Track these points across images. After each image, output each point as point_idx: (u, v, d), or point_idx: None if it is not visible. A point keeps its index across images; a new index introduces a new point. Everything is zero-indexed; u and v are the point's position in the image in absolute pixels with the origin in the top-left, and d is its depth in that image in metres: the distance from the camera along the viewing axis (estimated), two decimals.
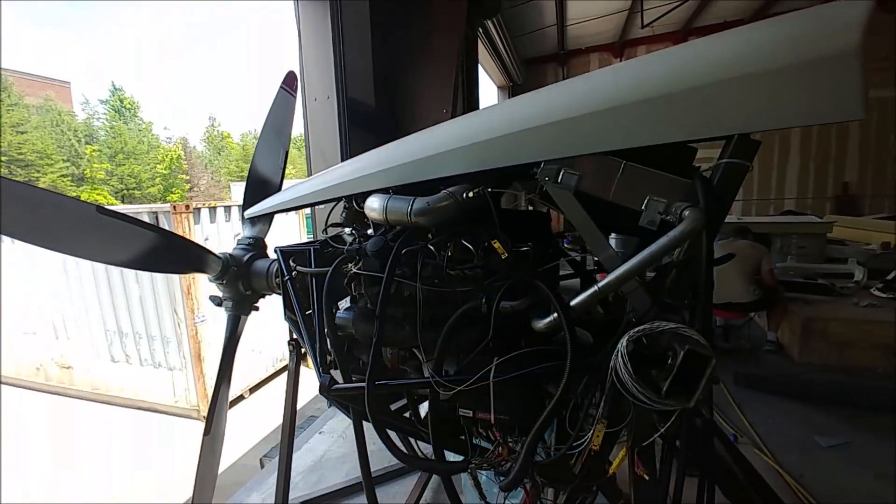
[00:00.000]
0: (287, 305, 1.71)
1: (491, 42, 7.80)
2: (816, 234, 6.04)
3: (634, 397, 0.95)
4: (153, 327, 5.90)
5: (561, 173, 1.16)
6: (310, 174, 3.57)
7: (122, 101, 31.95)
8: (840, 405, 3.38)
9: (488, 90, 10.27)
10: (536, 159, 1.17)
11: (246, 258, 1.90)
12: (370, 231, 1.54)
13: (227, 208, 6.13)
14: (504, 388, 1.10)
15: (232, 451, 4.79)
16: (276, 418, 6.03)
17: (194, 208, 5.60)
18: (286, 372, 1.87)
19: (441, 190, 1.35)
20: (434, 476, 2.78)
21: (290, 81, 2.27)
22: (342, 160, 3.43)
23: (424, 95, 3.81)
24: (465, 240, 1.22)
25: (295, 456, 3.10)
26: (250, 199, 2.06)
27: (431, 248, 1.24)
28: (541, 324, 1.12)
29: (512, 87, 10.45)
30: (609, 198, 1.16)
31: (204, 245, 1.78)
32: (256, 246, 1.98)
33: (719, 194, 1.09)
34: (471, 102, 5.77)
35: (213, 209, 5.90)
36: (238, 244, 1.97)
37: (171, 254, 1.61)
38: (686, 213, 1.02)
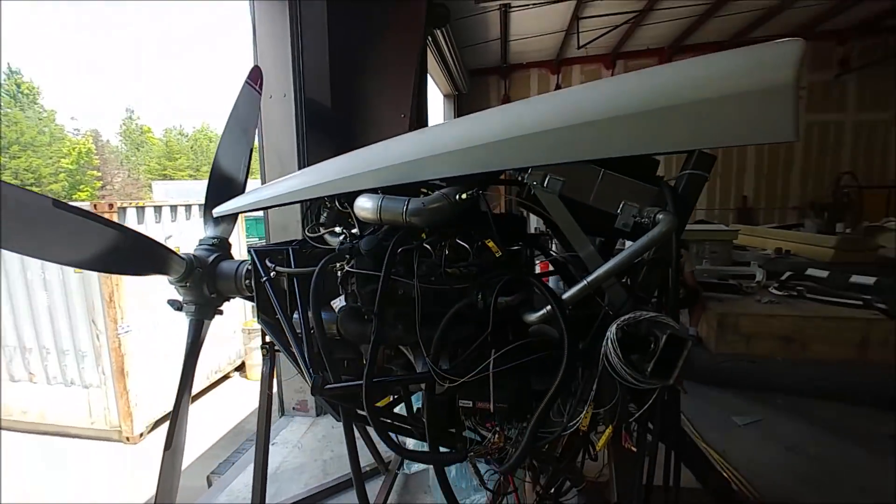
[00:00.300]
0: (262, 308, 1.66)
1: (439, 51, 7.95)
2: (725, 241, 6.84)
3: (623, 378, 1.06)
4: (64, 340, 5.27)
5: (547, 178, 1.26)
6: (263, 173, 3.43)
7: (18, 86, 28.03)
8: (751, 389, 3.87)
9: (435, 98, 10.43)
10: (525, 165, 1.27)
11: (211, 259, 1.81)
12: (354, 231, 1.54)
13: (158, 208, 5.65)
14: (501, 378, 1.17)
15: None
16: (215, 432, 5.72)
17: (119, 207, 5.10)
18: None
19: (422, 192, 1.40)
20: (397, 479, 2.79)
21: (254, 77, 2.19)
22: (299, 160, 3.34)
23: (383, 99, 3.82)
24: (460, 239, 1.28)
25: (248, 469, 2.95)
26: (213, 197, 1.97)
27: (427, 246, 1.28)
28: (533, 317, 1.21)
29: (457, 96, 10.71)
30: (589, 202, 1.28)
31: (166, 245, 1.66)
32: (221, 246, 1.89)
33: (684, 200, 1.25)
34: (420, 109, 5.84)
35: (141, 209, 5.41)
36: (200, 244, 1.87)
37: (133, 254, 1.50)
38: (660, 216, 1.16)
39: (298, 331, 1.55)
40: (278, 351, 1.77)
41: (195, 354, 1.83)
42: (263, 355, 1.79)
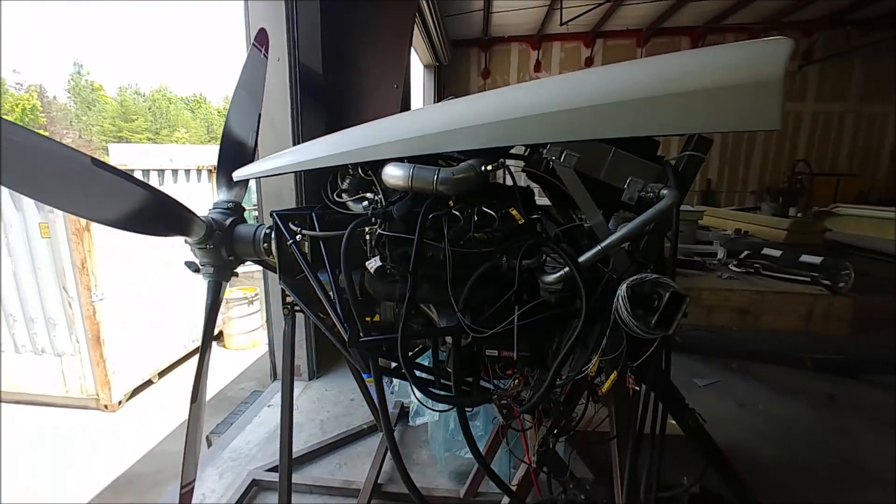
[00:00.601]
0: (285, 269, 1.73)
1: (423, 20, 7.79)
2: (691, 221, 7.26)
3: (631, 329, 1.23)
4: (33, 308, 5.08)
5: (563, 154, 1.39)
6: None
7: None
8: (711, 355, 4.26)
9: (415, 69, 10.23)
10: (544, 140, 1.39)
11: (228, 222, 1.84)
12: (380, 197, 1.61)
13: (130, 172, 5.41)
14: (523, 331, 1.32)
15: (142, 446, 4.43)
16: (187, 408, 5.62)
17: None
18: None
19: (440, 163, 1.50)
20: (395, 434, 2.96)
21: (261, 39, 2.17)
22: (293, 127, 3.31)
23: (376, 70, 3.79)
24: (486, 207, 1.40)
25: (247, 429, 3.05)
26: (225, 161, 1.98)
27: (456, 213, 1.39)
28: (550, 278, 1.36)
29: (437, 67, 10.56)
30: (600, 177, 1.42)
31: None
32: (236, 210, 1.92)
33: (684, 178, 1.41)
34: (405, 79, 5.80)
35: None
36: (215, 207, 1.90)
37: (160, 214, 1.52)
38: (664, 192, 1.31)
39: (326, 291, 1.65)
40: (299, 311, 1.85)
41: (215, 314, 1.88)
42: (285, 315, 1.87)
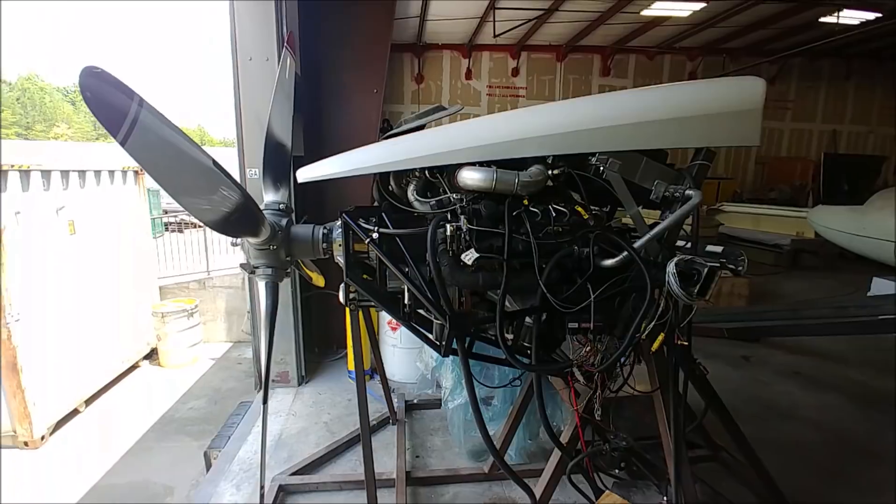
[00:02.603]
0: (352, 266, 1.81)
1: None
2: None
3: (679, 297, 1.57)
4: None
5: (609, 160, 1.70)
6: (240, 140, 3.26)
7: None
8: None
9: None
10: (598, 150, 1.70)
11: (284, 223, 1.87)
12: (451, 196, 1.76)
13: (46, 173, 4.73)
14: (597, 304, 1.60)
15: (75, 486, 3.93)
16: (138, 426, 5.28)
17: None
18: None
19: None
20: (406, 426, 3.08)
21: (291, 42, 2.20)
22: None
23: (355, 73, 3.85)
24: (558, 205, 1.66)
25: (249, 440, 2.96)
26: (269, 163, 2.00)
27: (534, 210, 1.63)
28: (611, 261, 1.65)
29: None
30: (635, 180, 1.76)
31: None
32: (288, 211, 1.94)
33: (697, 182, 1.80)
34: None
35: (26, 173, 4.49)
36: (266, 208, 1.90)
37: (245, 216, 1.53)
38: (689, 192, 1.68)
39: (388, 284, 1.78)
40: (363, 307, 1.92)
41: (275, 314, 1.88)
42: (352, 310, 1.93)
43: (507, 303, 1.73)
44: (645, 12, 8.87)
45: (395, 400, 3.22)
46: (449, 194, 1.75)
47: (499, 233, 1.60)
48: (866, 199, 6.38)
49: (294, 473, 2.56)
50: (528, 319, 1.68)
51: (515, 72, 11.56)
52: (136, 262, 6.06)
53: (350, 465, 2.75)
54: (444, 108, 3.79)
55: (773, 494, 2.21)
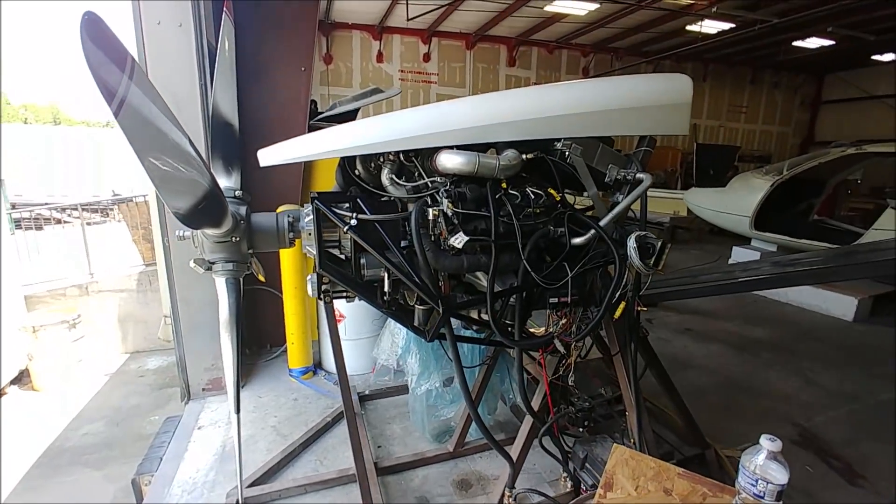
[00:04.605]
0: (326, 256, 1.71)
1: None
2: None
3: (639, 269, 1.76)
4: None
5: (572, 146, 1.84)
6: None
7: None
8: None
9: None
10: (565, 136, 1.82)
11: (244, 212, 1.68)
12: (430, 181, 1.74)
13: None
14: (573, 279, 1.72)
15: None
16: (22, 457, 4.63)
17: None
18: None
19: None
20: (363, 417, 3.01)
21: (229, 6, 1.95)
22: (203, 102, 2.88)
23: (280, 48, 3.54)
24: (532, 187, 1.74)
25: (186, 458, 2.67)
26: (217, 144, 1.78)
27: (514, 192, 1.70)
28: (580, 240, 1.79)
29: None
30: (593, 164, 1.92)
31: None
32: (245, 199, 1.75)
33: (644, 166, 2.02)
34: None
35: None
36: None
37: (211, 204, 1.34)
38: (640, 175, 1.88)
39: (365, 273, 1.73)
40: (338, 298, 1.82)
41: (240, 315, 1.68)
42: (326, 303, 1.80)
43: (485, 283, 1.78)
44: (548, 7, 9.45)
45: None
46: (425, 178, 1.73)
47: (482, 216, 1.64)
48: (726, 182, 7.67)
49: (251, 485, 2.36)
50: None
51: (427, 57, 11.56)
52: None
53: (311, 466, 2.61)
54: (381, 91, 3.71)
55: (693, 433, 2.62)
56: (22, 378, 5.23)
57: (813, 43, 11.22)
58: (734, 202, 7.21)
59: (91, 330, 5.66)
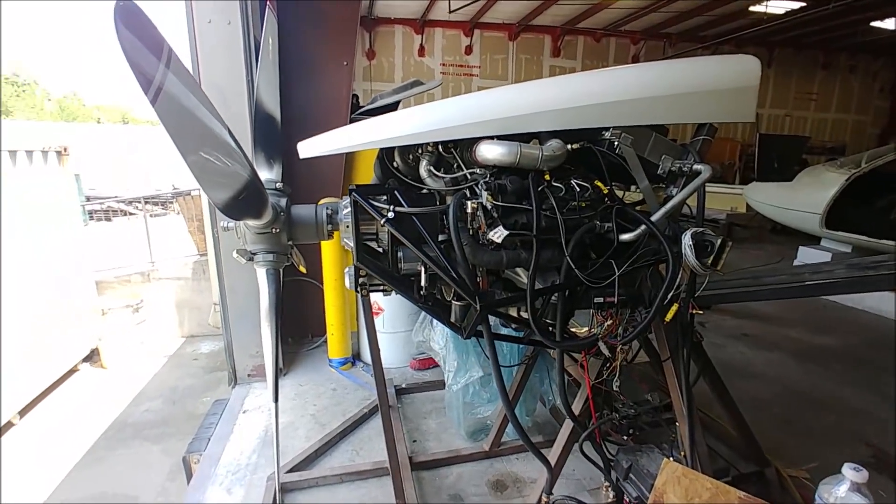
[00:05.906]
0: (363, 249, 1.69)
1: None
2: None
3: (695, 269, 1.62)
4: None
5: (622, 135, 1.71)
6: None
7: None
8: None
9: None
10: (611, 125, 1.69)
11: (283, 204, 1.70)
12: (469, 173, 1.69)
13: None
14: (620, 278, 1.61)
15: None
16: (88, 433, 4.96)
17: None
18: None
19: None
20: (399, 411, 3.02)
21: (272, 1, 1.98)
22: (249, 98, 2.96)
23: (323, 45, 3.58)
24: (577, 179, 1.64)
25: (232, 439, 2.78)
26: (260, 137, 1.81)
27: (558, 185, 1.60)
28: (628, 236, 1.67)
29: None
30: (644, 155, 1.78)
31: None
32: (285, 191, 1.77)
33: (702, 157, 1.86)
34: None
35: None
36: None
37: (252, 195, 1.35)
38: (698, 167, 1.72)
39: (402, 267, 1.69)
40: (374, 291, 1.81)
41: (280, 304, 1.71)
42: (363, 296, 1.80)
43: (525, 280, 1.71)
44: None
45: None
46: (464, 170, 1.67)
47: (523, 209, 1.56)
48: (793, 175, 7.04)
49: (290, 471, 2.42)
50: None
51: (469, 50, 11.42)
52: (64, 255, 5.38)
53: (347, 456, 2.65)
54: (421, 83, 3.65)
55: (751, 448, 2.42)
56: (93, 356, 5.70)
57: (893, 24, 10.08)
58: (803, 198, 6.61)
59: (152, 314, 6.08)
